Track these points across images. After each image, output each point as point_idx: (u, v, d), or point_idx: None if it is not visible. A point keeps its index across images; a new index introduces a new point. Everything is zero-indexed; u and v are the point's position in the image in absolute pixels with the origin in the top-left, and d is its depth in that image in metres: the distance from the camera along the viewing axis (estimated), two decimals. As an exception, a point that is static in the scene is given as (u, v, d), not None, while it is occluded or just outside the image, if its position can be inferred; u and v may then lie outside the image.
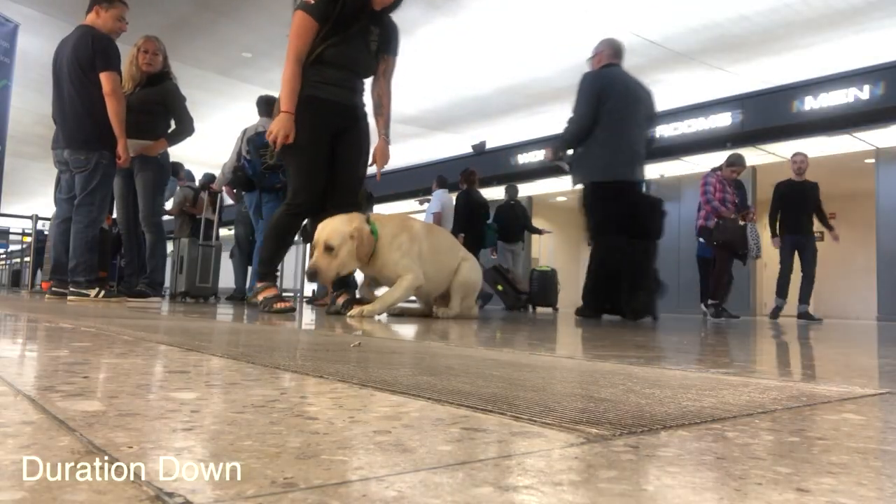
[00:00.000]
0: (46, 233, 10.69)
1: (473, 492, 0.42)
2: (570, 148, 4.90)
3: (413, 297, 3.82)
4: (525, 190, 14.38)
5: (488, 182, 12.05)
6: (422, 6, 8.30)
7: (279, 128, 3.41)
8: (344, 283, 3.81)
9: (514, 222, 9.86)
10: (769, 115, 10.30)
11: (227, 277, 7.62)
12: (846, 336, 3.64)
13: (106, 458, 0.47)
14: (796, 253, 8.20)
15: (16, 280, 18.30)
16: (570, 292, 16.97)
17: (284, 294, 10.28)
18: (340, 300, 3.66)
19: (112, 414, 0.63)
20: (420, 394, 0.81)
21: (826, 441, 0.62)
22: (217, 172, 7.50)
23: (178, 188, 8.34)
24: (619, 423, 0.65)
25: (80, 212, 4.66)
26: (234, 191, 6.96)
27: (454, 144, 14.03)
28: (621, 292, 4.73)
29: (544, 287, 9.29)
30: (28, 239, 13.50)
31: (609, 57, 4.80)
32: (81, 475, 0.42)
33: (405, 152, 14.12)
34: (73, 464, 0.45)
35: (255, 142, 6.12)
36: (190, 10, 8.57)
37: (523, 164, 13.76)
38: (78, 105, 4.61)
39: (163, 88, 5.26)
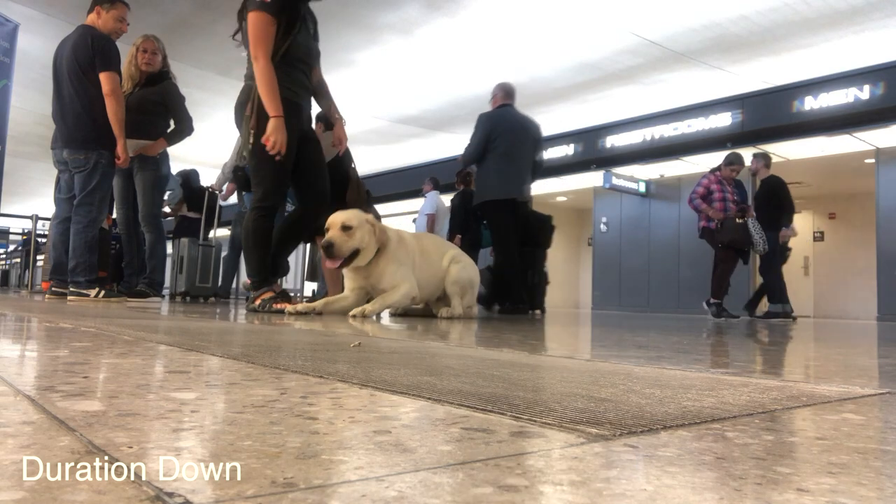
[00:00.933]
0: (38, 234, 10.69)
1: (473, 492, 0.42)
2: (467, 166, 6.17)
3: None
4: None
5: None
6: (421, 6, 8.30)
7: (279, 135, 3.43)
8: (266, 281, 3.85)
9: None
10: (769, 115, 10.30)
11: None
12: (846, 336, 3.63)
13: (106, 458, 0.47)
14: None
15: (4, 280, 18.31)
16: (570, 292, 17.02)
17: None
18: (262, 298, 3.68)
19: (112, 414, 0.63)
20: (420, 394, 0.81)
21: (826, 441, 0.62)
22: (218, 172, 7.51)
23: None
24: (619, 423, 0.65)
25: (79, 212, 4.66)
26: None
27: (454, 144, 14.02)
28: (512, 290, 5.72)
29: (536, 287, 9.39)
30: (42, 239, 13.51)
31: (503, 98, 5.83)
32: (81, 475, 0.42)
33: (405, 152, 14.13)
34: (73, 464, 0.45)
35: None
36: (190, 10, 8.57)
37: (523, 164, 13.75)
38: (77, 105, 4.61)
39: (162, 88, 5.26)
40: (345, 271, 3.68)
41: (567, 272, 16.84)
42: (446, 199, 8.52)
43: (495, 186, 5.51)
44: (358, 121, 11.52)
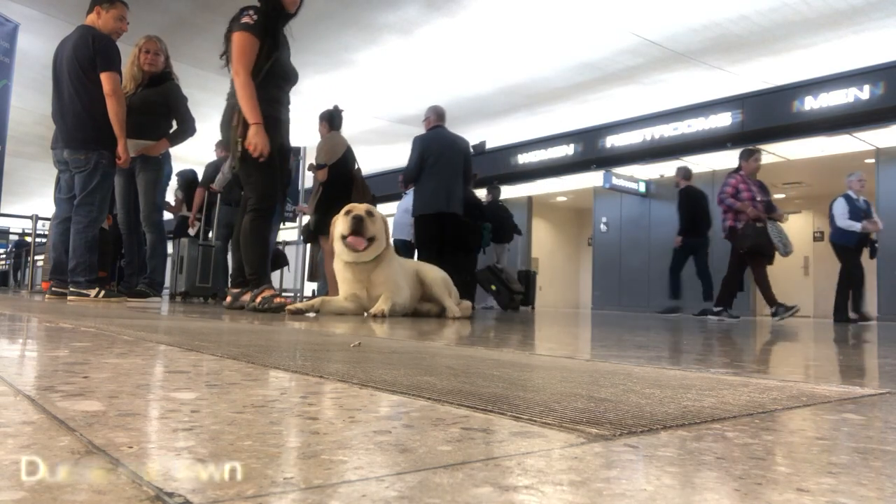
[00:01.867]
0: (38, 234, 10.68)
1: (473, 492, 0.42)
2: (408, 186, 6.76)
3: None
4: (525, 190, 14.41)
5: (488, 182, 12.04)
6: (421, 6, 8.30)
7: (260, 139, 3.68)
8: (265, 279, 4.01)
9: (506, 222, 9.88)
10: (769, 115, 10.30)
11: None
12: (846, 336, 3.64)
13: (106, 458, 0.47)
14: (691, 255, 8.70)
15: (3, 280, 18.35)
16: (570, 292, 17.01)
17: (285, 294, 10.29)
18: (262, 297, 3.80)
19: (112, 414, 0.63)
20: (420, 394, 0.81)
21: (826, 441, 0.62)
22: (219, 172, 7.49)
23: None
24: (619, 423, 0.65)
25: (79, 212, 4.66)
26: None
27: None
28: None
29: (525, 286, 9.49)
30: (28, 239, 13.51)
31: (435, 121, 6.54)
32: (81, 475, 0.42)
33: (405, 152, 14.12)
34: (73, 464, 0.45)
35: None
36: (190, 10, 8.57)
37: (523, 164, 13.76)
38: (78, 105, 4.61)
39: (164, 88, 5.26)
40: (343, 276, 3.70)
41: (567, 272, 16.86)
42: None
43: (426, 203, 6.14)
44: (358, 121, 11.52)
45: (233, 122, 3.79)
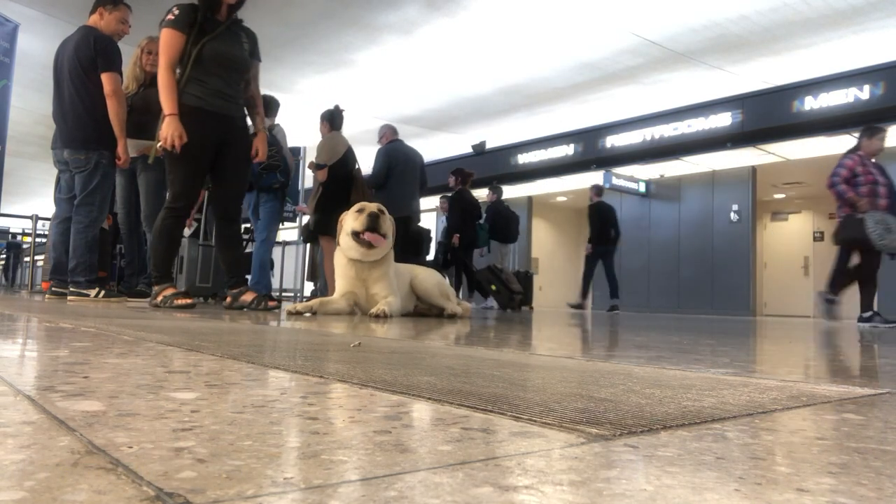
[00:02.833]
0: (38, 234, 10.67)
1: (473, 492, 0.42)
2: (374, 189, 7.05)
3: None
4: (525, 190, 14.40)
5: (488, 182, 12.05)
6: (421, 6, 8.30)
7: (171, 131, 3.65)
8: (244, 281, 4.10)
9: (511, 222, 9.89)
10: (769, 115, 10.30)
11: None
12: (846, 336, 3.64)
13: (106, 458, 0.47)
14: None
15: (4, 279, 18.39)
16: (570, 292, 17.00)
17: (285, 294, 10.27)
18: (248, 297, 3.89)
19: (112, 414, 0.63)
20: (420, 394, 0.81)
21: (826, 441, 0.62)
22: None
23: None
24: (619, 423, 0.65)
25: (80, 212, 4.66)
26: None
27: (454, 144, 14.02)
28: None
29: (523, 287, 9.54)
30: (28, 239, 13.50)
31: (391, 135, 7.09)
32: (81, 475, 0.42)
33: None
34: (72, 464, 0.45)
35: None
36: (190, 10, 8.56)
37: (523, 164, 13.76)
38: (78, 105, 4.61)
39: None
40: (342, 272, 3.70)
41: (567, 272, 16.84)
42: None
43: (398, 206, 6.32)
44: (358, 121, 11.52)
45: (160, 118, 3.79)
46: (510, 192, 13.97)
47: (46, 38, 8.61)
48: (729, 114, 10.73)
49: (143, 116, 5.02)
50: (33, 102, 10.36)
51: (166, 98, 3.68)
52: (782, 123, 10.14)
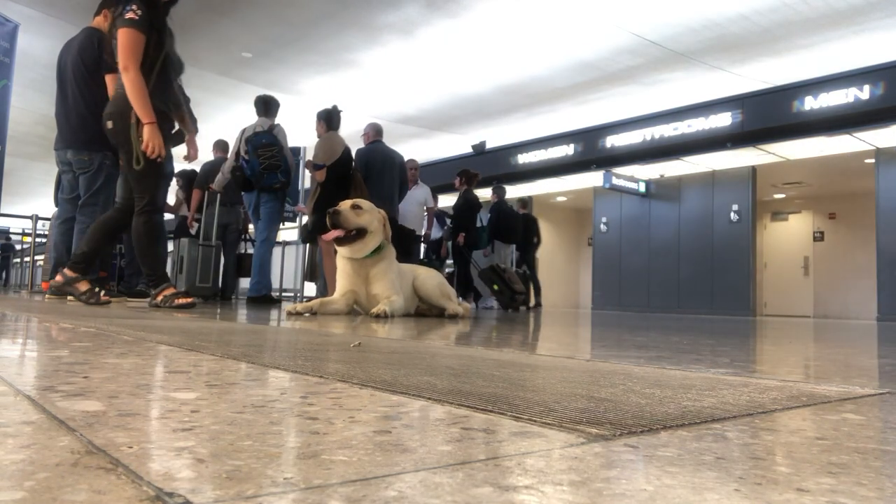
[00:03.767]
0: (38, 234, 10.68)
1: (473, 492, 0.42)
2: None
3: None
4: (525, 190, 14.40)
5: (488, 182, 12.05)
6: (422, 6, 8.30)
7: (158, 140, 3.68)
8: (165, 278, 4.07)
9: (516, 222, 9.90)
10: (769, 115, 10.30)
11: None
12: (846, 336, 3.64)
13: (106, 458, 0.47)
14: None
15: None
16: (570, 292, 17.01)
17: (285, 294, 10.27)
18: (164, 294, 3.86)
19: (112, 414, 0.63)
20: (420, 394, 0.81)
21: (826, 441, 0.62)
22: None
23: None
24: (619, 423, 0.65)
25: (84, 212, 4.67)
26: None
27: (454, 144, 14.02)
28: None
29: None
30: (27, 239, 13.49)
31: (374, 136, 6.97)
32: (81, 475, 0.42)
33: (405, 152, 14.15)
34: (72, 464, 0.45)
35: (253, 142, 6.12)
36: (190, 10, 8.56)
37: (523, 164, 13.77)
38: (82, 106, 4.62)
39: None
40: (342, 270, 3.70)
41: (567, 272, 16.85)
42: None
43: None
44: (358, 121, 11.51)
45: (131, 118, 3.70)
46: (510, 192, 13.97)
47: (46, 38, 8.62)
48: (729, 114, 10.73)
49: None
50: (33, 102, 10.37)
51: (144, 104, 3.64)
52: (782, 123, 10.14)
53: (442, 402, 0.76)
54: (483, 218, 9.34)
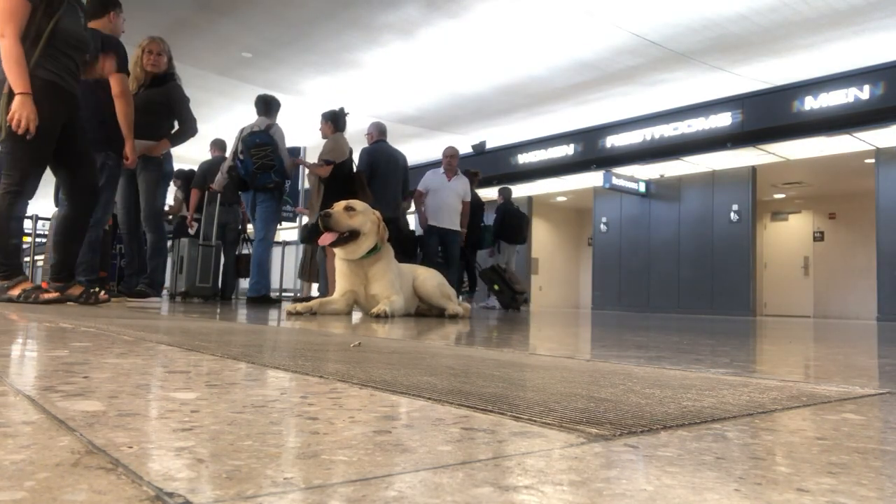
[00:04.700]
0: (38, 234, 10.68)
1: (473, 492, 0.42)
2: None
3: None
4: (525, 190, 14.41)
5: (488, 182, 12.04)
6: (422, 6, 8.30)
7: (28, 111, 3.40)
8: (72, 275, 3.95)
9: (521, 221, 9.91)
10: (769, 115, 10.30)
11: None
12: (846, 336, 3.64)
13: (106, 458, 0.47)
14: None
15: None
16: (570, 292, 17.02)
17: (285, 294, 10.27)
18: (22, 289, 3.65)
19: (112, 414, 0.63)
20: (420, 394, 0.81)
21: (826, 441, 0.62)
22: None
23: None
24: (619, 423, 0.65)
25: None
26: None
27: (454, 144, 14.02)
28: None
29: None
30: (28, 239, 13.47)
31: (377, 136, 7.01)
32: (81, 475, 0.42)
33: (405, 152, 14.18)
34: (72, 464, 0.45)
35: (247, 141, 6.09)
36: (190, 10, 8.57)
37: (523, 164, 13.77)
38: (83, 107, 4.63)
39: (167, 89, 5.26)
40: (341, 270, 3.70)
41: (567, 272, 16.86)
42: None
43: (377, 208, 7.01)
44: (359, 121, 11.52)
45: (5, 88, 3.47)
46: (510, 192, 13.97)
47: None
48: (729, 114, 10.73)
49: (143, 117, 5.02)
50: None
51: (19, 73, 3.37)
52: (782, 123, 10.14)
53: (442, 402, 0.76)
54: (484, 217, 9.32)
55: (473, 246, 8.94)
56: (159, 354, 1.27)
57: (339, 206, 3.60)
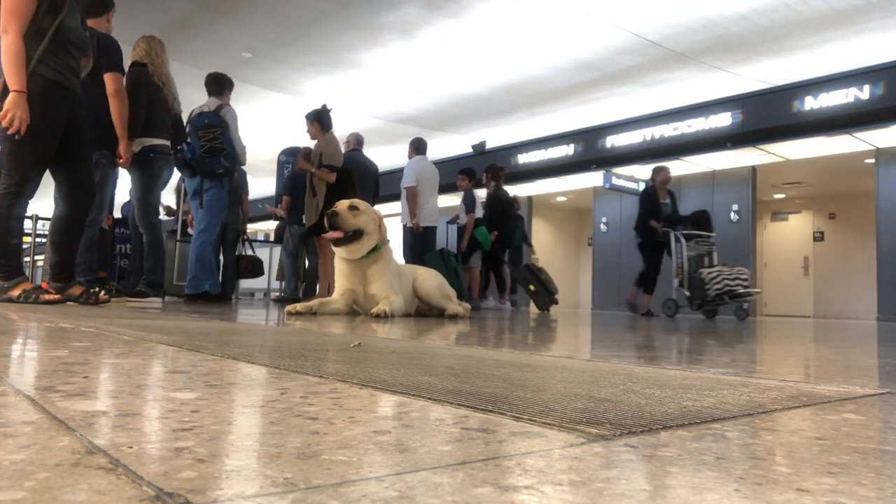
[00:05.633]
0: (38, 234, 10.68)
1: (473, 492, 0.42)
2: None
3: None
4: (525, 190, 14.40)
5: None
6: (422, 6, 8.30)
7: (21, 110, 3.34)
8: (72, 275, 3.95)
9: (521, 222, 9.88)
10: (769, 115, 10.30)
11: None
12: (846, 336, 3.64)
13: (106, 458, 0.47)
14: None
15: None
16: (569, 292, 17.00)
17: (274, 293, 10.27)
18: (22, 289, 3.64)
19: (112, 414, 0.63)
20: (420, 394, 0.81)
21: (826, 441, 0.62)
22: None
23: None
24: (619, 423, 0.65)
25: None
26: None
27: (454, 144, 14.02)
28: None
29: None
30: (28, 239, 13.46)
31: (354, 144, 7.46)
32: (81, 475, 0.42)
33: (405, 152, 14.19)
34: (73, 464, 0.45)
35: (194, 122, 5.78)
36: (190, 10, 8.57)
37: (523, 164, 13.76)
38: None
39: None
40: (340, 270, 3.71)
41: (567, 272, 16.85)
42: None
43: None
44: (358, 121, 11.53)
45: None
46: (510, 191, 13.97)
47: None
48: (729, 114, 10.73)
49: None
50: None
51: (17, 70, 3.31)
52: (782, 123, 10.14)
53: (442, 402, 0.76)
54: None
55: (503, 244, 8.57)
56: (159, 354, 1.27)
57: (344, 205, 3.59)
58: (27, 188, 3.61)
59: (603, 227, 13.70)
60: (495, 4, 8.20)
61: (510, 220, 8.70)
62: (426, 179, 7.75)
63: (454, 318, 3.78)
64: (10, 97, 3.34)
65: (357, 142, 7.35)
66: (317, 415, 0.67)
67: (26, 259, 14.90)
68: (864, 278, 12.06)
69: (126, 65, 4.93)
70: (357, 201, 3.68)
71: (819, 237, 14.07)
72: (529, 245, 10.38)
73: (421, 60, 9.98)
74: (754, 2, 7.86)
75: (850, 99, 9.47)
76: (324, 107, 6.44)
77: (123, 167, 4.88)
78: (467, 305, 4.31)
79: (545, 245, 16.28)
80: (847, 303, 13.05)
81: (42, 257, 11.04)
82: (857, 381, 1.18)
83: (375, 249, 3.66)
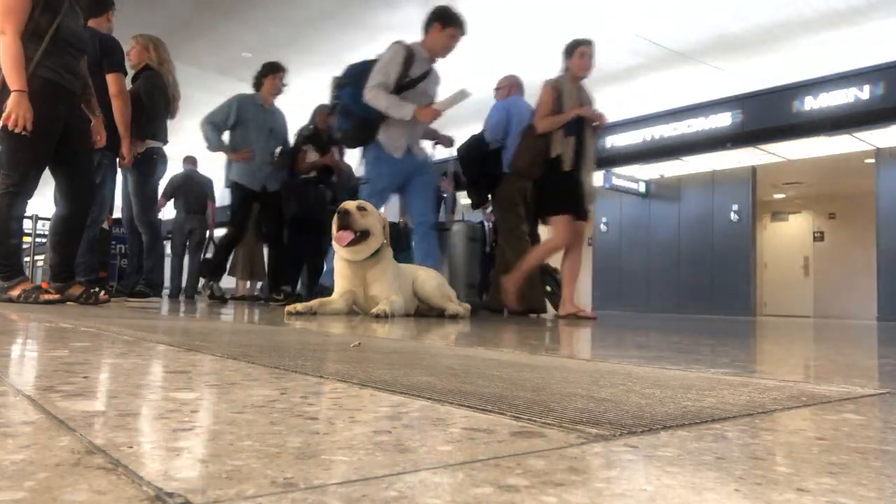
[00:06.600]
0: (38, 234, 10.71)
1: (473, 492, 0.42)
2: None
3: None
4: (525, 190, 14.38)
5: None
6: (421, 6, 8.29)
7: (23, 109, 3.36)
8: (72, 275, 3.98)
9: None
10: (769, 115, 10.30)
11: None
12: (846, 336, 3.64)
13: (106, 458, 0.47)
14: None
15: None
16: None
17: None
18: (22, 289, 3.65)
19: (112, 414, 0.63)
20: (420, 394, 0.81)
21: (826, 441, 0.62)
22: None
23: None
24: (619, 423, 0.65)
25: None
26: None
27: (454, 144, 14.01)
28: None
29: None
30: (28, 239, 13.46)
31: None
32: (81, 475, 0.42)
33: (405, 152, 14.18)
34: (72, 464, 0.45)
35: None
36: (190, 10, 8.57)
37: (523, 164, 13.75)
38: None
39: (139, 83, 5.24)
40: (340, 271, 3.70)
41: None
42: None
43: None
44: (358, 121, 11.51)
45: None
46: (510, 192, 13.96)
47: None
48: (729, 114, 10.73)
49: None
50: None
51: (16, 70, 3.33)
52: (782, 123, 10.14)
53: (442, 402, 0.76)
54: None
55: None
56: (159, 354, 1.27)
57: (352, 205, 3.58)
58: (26, 188, 3.63)
59: (603, 227, 13.70)
60: (494, 5, 8.21)
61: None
62: None
63: (454, 318, 3.78)
64: (12, 97, 3.36)
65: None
66: (317, 415, 0.67)
67: (26, 259, 14.93)
68: (863, 278, 12.05)
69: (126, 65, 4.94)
70: (364, 203, 3.67)
71: (819, 237, 14.08)
72: None
73: (421, 60, 9.97)
74: (754, 2, 7.86)
75: (850, 99, 9.47)
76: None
77: (126, 167, 4.89)
78: (467, 305, 4.30)
79: (545, 245, 16.27)
80: (847, 303, 13.04)
81: (42, 257, 11.04)
82: (857, 381, 1.18)
83: (375, 250, 3.66)
